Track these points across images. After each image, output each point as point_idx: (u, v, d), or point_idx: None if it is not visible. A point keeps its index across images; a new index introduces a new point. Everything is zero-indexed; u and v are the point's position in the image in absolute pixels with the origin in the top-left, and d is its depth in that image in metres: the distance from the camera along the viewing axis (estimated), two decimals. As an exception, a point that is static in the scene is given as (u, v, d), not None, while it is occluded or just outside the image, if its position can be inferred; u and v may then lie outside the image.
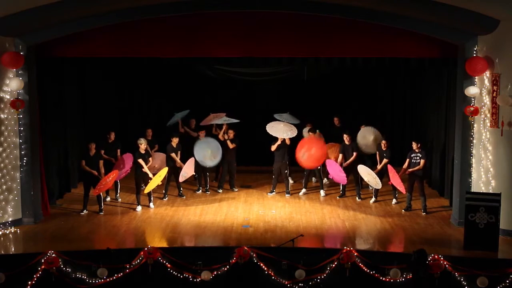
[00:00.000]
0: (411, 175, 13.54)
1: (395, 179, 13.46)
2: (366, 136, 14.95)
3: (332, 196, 14.98)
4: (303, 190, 15.12)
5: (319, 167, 14.86)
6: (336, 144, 15.28)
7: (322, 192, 15.03)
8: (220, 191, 15.31)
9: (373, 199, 14.42)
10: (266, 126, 14.70)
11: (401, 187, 13.40)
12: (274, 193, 15.09)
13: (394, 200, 14.30)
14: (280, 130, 14.68)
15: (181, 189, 14.93)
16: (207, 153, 14.70)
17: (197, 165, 15.37)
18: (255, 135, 16.61)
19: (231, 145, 15.05)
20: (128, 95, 18.16)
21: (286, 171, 14.96)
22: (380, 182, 13.86)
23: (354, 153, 14.55)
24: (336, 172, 14.39)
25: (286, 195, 14.95)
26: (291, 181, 15.60)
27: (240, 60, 13.83)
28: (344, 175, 14.31)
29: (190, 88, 17.89)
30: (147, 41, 13.08)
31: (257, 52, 13.24)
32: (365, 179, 14.18)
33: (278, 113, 15.47)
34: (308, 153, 14.30)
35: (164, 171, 13.96)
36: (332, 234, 12.26)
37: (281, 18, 12.90)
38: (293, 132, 14.73)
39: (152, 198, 14.00)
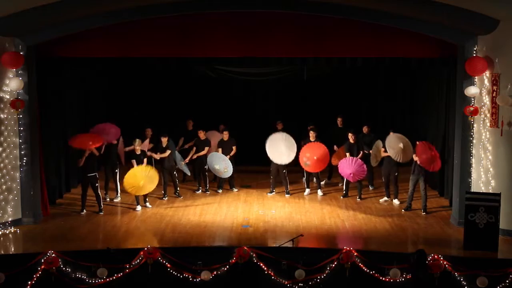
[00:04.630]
0: (414, 176, 13.55)
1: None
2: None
3: (332, 196, 14.97)
4: (307, 190, 15.06)
5: None
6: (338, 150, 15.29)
7: (319, 192, 14.99)
8: (220, 191, 15.30)
9: (396, 200, 14.30)
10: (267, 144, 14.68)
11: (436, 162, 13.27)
12: (274, 193, 15.09)
13: (396, 200, 14.28)
14: (279, 152, 14.65)
15: (178, 188, 14.86)
16: (218, 167, 14.78)
17: (197, 166, 15.36)
18: (255, 135, 16.61)
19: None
20: (128, 95, 18.16)
21: (284, 171, 14.94)
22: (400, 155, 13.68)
23: (360, 152, 14.50)
24: (354, 169, 14.06)
25: (286, 195, 14.95)
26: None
27: (240, 61, 13.84)
28: (361, 163, 14.08)
29: (190, 88, 17.89)
30: (147, 41, 13.08)
31: (257, 52, 13.24)
32: (392, 151, 13.77)
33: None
34: (311, 161, 14.46)
35: (149, 179, 13.55)
36: (332, 234, 12.25)
37: (281, 18, 12.90)
38: (291, 156, 14.65)
39: (147, 198, 14.01)
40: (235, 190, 15.40)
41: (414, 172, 13.56)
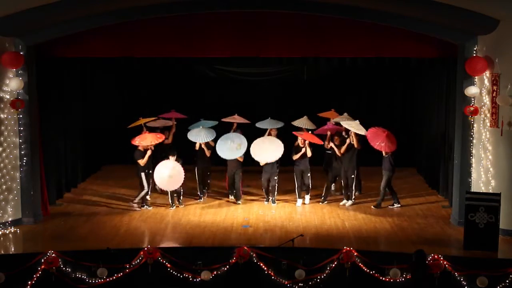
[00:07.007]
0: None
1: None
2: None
3: (332, 197, 14.94)
4: (299, 201, 14.33)
5: (308, 175, 14.21)
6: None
7: (307, 199, 14.39)
8: (240, 202, 14.46)
9: (349, 201, 14.14)
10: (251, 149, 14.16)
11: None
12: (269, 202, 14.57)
13: (349, 201, 14.11)
14: (266, 150, 14.10)
15: (181, 198, 14.27)
16: (230, 145, 14.06)
17: (200, 172, 14.84)
18: (255, 135, 16.59)
19: (240, 159, 14.44)
20: (129, 95, 18.16)
21: (275, 178, 14.45)
22: (363, 128, 13.78)
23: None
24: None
25: (266, 202, 14.41)
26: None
27: (240, 60, 13.84)
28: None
29: (190, 88, 17.88)
30: (147, 41, 13.10)
31: (257, 52, 13.25)
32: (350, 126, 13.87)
33: (260, 121, 14.88)
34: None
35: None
36: (332, 234, 12.25)
37: (281, 18, 12.91)
38: (279, 152, 13.99)
39: (148, 197, 14.06)
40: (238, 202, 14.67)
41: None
